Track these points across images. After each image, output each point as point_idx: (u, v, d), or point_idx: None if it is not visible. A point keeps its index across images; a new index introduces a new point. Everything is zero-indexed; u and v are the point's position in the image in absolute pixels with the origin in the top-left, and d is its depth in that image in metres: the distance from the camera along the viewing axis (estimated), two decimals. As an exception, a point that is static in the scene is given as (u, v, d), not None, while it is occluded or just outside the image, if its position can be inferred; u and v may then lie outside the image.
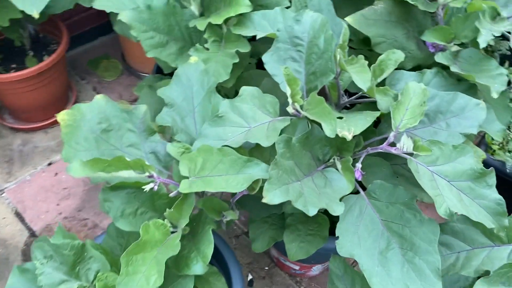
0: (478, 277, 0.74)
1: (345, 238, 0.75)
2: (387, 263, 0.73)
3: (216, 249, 0.95)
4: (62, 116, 0.76)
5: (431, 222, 0.73)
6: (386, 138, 0.80)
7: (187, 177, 0.71)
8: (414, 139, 0.70)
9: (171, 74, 1.17)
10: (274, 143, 0.70)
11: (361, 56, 0.87)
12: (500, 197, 0.72)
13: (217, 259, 0.96)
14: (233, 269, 0.90)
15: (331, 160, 0.80)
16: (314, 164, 0.76)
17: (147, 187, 0.71)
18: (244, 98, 0.77)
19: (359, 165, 0.79)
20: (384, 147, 0.76)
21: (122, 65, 1.79)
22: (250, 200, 0.94)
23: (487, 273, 0.75)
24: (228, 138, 0.73)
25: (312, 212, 0.64)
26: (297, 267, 1.21)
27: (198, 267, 0.70)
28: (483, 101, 0.85)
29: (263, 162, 0.71)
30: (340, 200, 0.73)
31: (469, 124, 0.83)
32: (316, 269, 1.21)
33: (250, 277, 1.24)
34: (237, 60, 0.91)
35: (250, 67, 1.19)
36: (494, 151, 1.24)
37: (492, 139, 1.25)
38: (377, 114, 0.78)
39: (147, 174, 0.69)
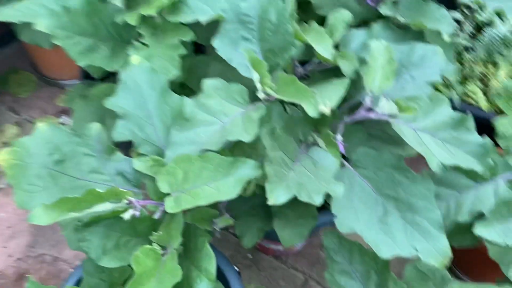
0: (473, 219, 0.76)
1: (343, 215, 0.73)
2: (390, 229, 0.72)
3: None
4: (2, 157, 0.64)
5: (424, 179, 0.73)
6: (358, 104, 0.77)
7: (168, 194, 0.63)
8: (395, 100, 0.68)
9: (103, 79, 1.06)
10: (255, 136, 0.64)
11: (313, 22, 0.83)
12: (482, 139, 0.73)
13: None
14: (230, 275, 0.85)
15: (310, 138, 0.76)
16: (297, 147, 0.71)
17: (126, 216, 0.63)
18: (209, 92, 0.70)
19: (339, 137, 0.76)
20: (362, 115, 0.74)
21: (36, 76, 1.60)
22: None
23: (480, 213, 0.77)
24: (202, 141, 0.66)
25: (318, 200, 0.60)
26: (280, 247, 1.18)
27: (204, 286, 0.64)
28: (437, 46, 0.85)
29: (247, 158, 0.65)
30: (331, 178, 0.70)
31: (432, 72, 0.83)
32: (299, 245, 1.20)
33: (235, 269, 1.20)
34: (184, 51, 0.83)
35: (189, 56, 1.11)
36: (440, 91, 1.28)
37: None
38: (347, 81, 0.75)
39: (125, 202, 0.61)
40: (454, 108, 1.22)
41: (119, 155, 0.71)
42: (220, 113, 0.69)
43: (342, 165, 0.78)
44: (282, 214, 0.87)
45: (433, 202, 0.71)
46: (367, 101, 0.73)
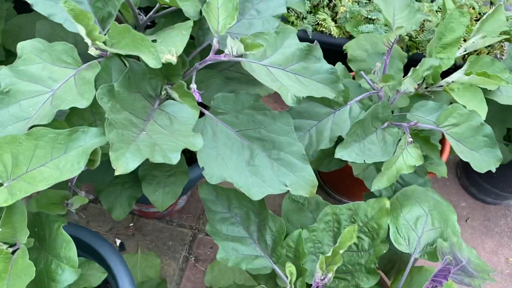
0: (335, 145, 0.79)
1: (210, 165, 0.70)
2: (258, 170, 0.71)
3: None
4: None
5: (282, 114, 0.72)
6: (208, 47, 0.73)
7: (0, 184, 0.53)
8: (241, 38, 0.64)
9: None
10: (93, 99, 0.56)
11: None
12: (331, 66, 0.74)
13: (79, 246, 0.83)
14: (99, 246, 0.79)
15: (164, 92, 0.70)
16: (149, 103, 0.65)
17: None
18: (28, 57, 0.59)
19: (193, 86, 0.71)
20: (212, 58, 0.69)
21: None
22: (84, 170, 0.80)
23: (340, 137, 0.80)
24: (31, 115, 0.56)
25: (175, 159, 0.55)
26: (162, 208, 1.14)
27: (68, 276, 0.58)
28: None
29: (88, 125, 0.57)
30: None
31: (277, 4, 0.81)
32: (182, 201, 1.16)
33: (118, 241, 1.13)
34: (-9, 11, 0.68)
35: (10, 15, 0.94)
36: (293, 22, 1.29)
37: (288, 12, 1.28)
38: (191, 23, 0.69)
39: None
40: (307, 39, 1.25)
41: None
42: (48, 79, 0.59)
43: (202, 115, 0.74)
44: (150, 176, 0.81)
45: (294, 135, 0.72)
46: (215, 43, 0.68)
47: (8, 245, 0.57)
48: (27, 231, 0.55)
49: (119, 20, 0.82)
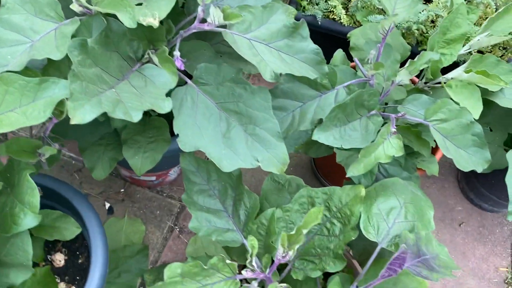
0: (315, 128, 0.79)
1: (185, 133, 0.71)
2: (232, 143, 0.72)
3: (52, 191, 0.84)
4: None
5: (261, 90, 0.72)
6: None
7: (-29, 126, 0.56)
8: (223, 7, 0.65)
9: None
10: (68, 53, 0.58)
11: None
12: (317, 46, 0.74)
13: (60, 202, 0.86)
14: (78, 203, 0.81)
15: (146, 56, 0.71)
16: (127, 64, 0.66)
17: None
18: (11, 6, 0.60)
19: (177, 53, 0.72)
20: (196, 26, 0.70)
21: None
22: (70, 127, 0.82)
23: (321, 121, 0.79)
24: (8, 63, 0.58)
25: (136, 117, 0.57)
26: (153, 178, 1.16)
27: (29, 220, 0.60)
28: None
29: (64, 78, 0.59)
30: (168, 95, 0.67)
31: (274, -19, 0.80)
32: (173, 173, 1.18)
33: (107, 205, 1.16)
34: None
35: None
36: (304, 7, 1.28)
37: (300, -4, 1.27)
38: (178, -10, 0.70)
39: None
40: (315, 25, 1.24)
41: None
42: (30, 30, 0.61)
43: (185, 83, 0.75)
44: (132, 141, 0.83)
45: (271, 112, 0.72)
46: (200, 11, 0.69)
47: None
48: (-6, 173, 0.58)
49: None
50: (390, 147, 0.78)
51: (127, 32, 0.65)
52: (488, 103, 1.02)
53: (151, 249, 1.12)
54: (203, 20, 0.70)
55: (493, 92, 0.98)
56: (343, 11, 1.25)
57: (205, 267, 0.69)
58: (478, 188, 1.26)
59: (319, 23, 1.24)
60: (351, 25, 1.25)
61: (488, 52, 1.24)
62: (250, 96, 0.72)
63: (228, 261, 0.70)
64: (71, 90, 0.52)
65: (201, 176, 0.86)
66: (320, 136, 0.75)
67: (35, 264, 0.82)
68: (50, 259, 0.87)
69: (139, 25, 0.64)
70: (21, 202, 0.60)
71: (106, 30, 0.61)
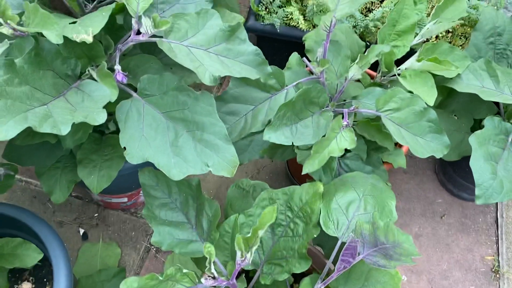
0: (266, 129, 0.78)
1: (132, 146, 0.71)
2: (181, 151, 0.72)
3: (13, 219, 0.84)
4: None
5: (205, 95, 0.72)
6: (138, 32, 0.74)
7: None
8: (152, 16, 0.65)
9: None
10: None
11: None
12: (256, 47, 0.74)
13: (22, 230, 0.85)
14: (39, 229, 0.81)
15: (87, 73, 0.72)
16: (64, 82, 0.67)
17: None
18: None
19: (118, 67, 0.72)
20: (132, 38, 0.71)
21: None
22: (25, 152, 0.82)
23: (270, 121, 0.79)
24: None
25: (64, 130, 0.56)
26: (125, 199, 1.15)
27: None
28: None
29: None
30: (111, 110, 0.67)
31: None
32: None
33: (82, 231, 1.15)
34: None
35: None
36: (263, 17, 1.29)
37: (258, 6, 1.29)
38: (112, 6, 0.71)
39: None
40: (275, 32, 1.25)
41: None
42: (-41, 57, 0.62)
43: (130, 96, 0.75)
44: (87, 160, 0.83)
45: (217, 116, 0.72)
46: (134, 23, 0.70)
47: None
48: None
49: (66, 8, 0.85)
50: (343, 140, 0.78)
51: (63, 50, 0.65)
52: (451, 92, 1.03)
53: (128, 271, 1.10)
54: (139, 32, 0.70)
55: (450, 79, 0.98)
56: (301, 17, 1.27)
57: (161, 278, 0.67)
58: (455, 178, 1.25)
59: (278, 30, 1.25)
60: (309, 29, 1.26)
61: (448, 42, 1.25)
62: (194, 103, 0.72)
63: (185, 271, 0.69)
64: (-7, 108, 0.53)
65: (162, 190, 0.85)
66: (270, 136, 0.75)
67: (-1, 295, 0.81)
68: (17, 290, 0.86)
69: (76, 43, 0.65)
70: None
71: (36, 49, 0.62)
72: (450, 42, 1.25)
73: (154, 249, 1.14)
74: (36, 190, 1.20)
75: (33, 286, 0.86)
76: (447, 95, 1.08)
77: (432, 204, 1.28)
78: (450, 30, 1.26)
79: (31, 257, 0.79)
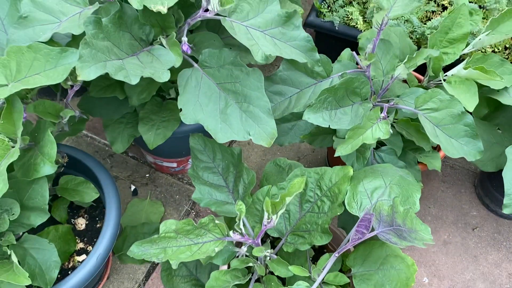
0: (307, 110, 0.85)
1: (187, 108, 0.80)
2: (228, 118, 0.80)
3: (78, 161, 0.96)
4: None
5: (255, 72, 0.81)
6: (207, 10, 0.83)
7: (5, 85, 0.68)
8: (220, -5, 0.75)
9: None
10: (88, 30, 0.70)
11: None
12: (308, 34, 0.81)
13: (84, 172, 0.98)
14: (99, 172, 0.93)
15: (157, 40, 0.82)
16: (138, 44, 0.77)
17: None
18: (46, -8, 0.74)
19: (184, 38, 0.82)
20: (200, 14, 0.80)
21: None
22: (97, 104, 0.95)
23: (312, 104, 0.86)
24: (39, 38, 0.71)
25: (134, 80, 0.67)
26: (175, 165, 1.26)
27: (46, 169, 0.71)
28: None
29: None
30: (175, 76, 0.76)
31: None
32: (193, 162, 1.28)
33: (133, 187, 1.27)
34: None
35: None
36: (324, 14, 1.36)
37: (320, 4, 1.36)
38: (187, -17, 0.81)
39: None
40: (333, 30, 1.31)
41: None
42: (60, 13, 0.74)
43: (191, 66, 0.85)
44: (147, 119, 0.94)
45: (263, 91, 0.80)
46: (203, 1, 0.79)
47: (9, 139, 0.72)
48: (21, 127, 0.70)
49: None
50: (378, 130, 0.83)
51: (141, 18, 0.76)
52: (499, 106, 1.05)
53: (168, 229, 1.21)
54: (206, 10, 0.80)
55: (497, 91, 1.00)
56: (361, 18, 1.32)
57: (196, 225, 0.77)
58: (493, 193, 1.26)
59: (337, 28, 1.31)
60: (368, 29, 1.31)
61: (505, 58, 1.25)
62: (246, 77, 0.81)
63: (217, 221, 0.78)
64: (80, 54, 0.64)
65: (207, 154, 0.95)
66: (310, 116, 0.82)
67: (59, 223, 0.94)
68: (73, 223, 0.99)
69: (151, 12, 0.76)
70: (42, 154, 0.72)
71: (120, 12, 0.73)
72: (507, 58, 1.26)
73: (194, 213, 1.25)
74: (99, 146, 1.34)
75: (87, 222, 0.99)
76: (494, 109, 1.10)
77: (466, 215, 1.29)
78: (508, 46, 1.27)
79: (89, 194, 0.91)
